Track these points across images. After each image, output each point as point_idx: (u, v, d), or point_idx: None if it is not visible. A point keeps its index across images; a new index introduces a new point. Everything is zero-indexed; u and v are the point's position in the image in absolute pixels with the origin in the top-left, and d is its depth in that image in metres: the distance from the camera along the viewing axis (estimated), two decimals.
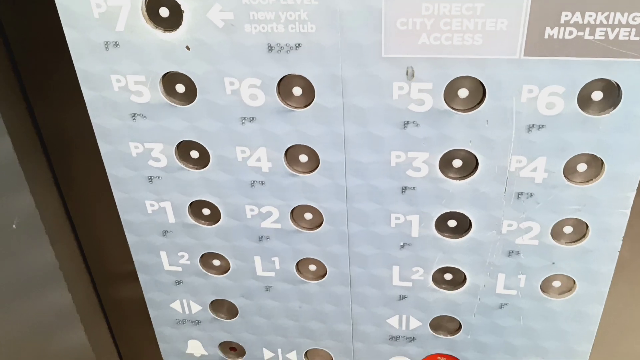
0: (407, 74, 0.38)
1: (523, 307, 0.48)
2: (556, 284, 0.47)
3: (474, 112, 0.39)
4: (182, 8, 0.38)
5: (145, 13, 0.39)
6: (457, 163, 0.42)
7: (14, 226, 0.48)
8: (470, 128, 0.40)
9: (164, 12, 0.39)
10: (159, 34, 0.39)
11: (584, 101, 0.38)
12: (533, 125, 0.39)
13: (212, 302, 0.54)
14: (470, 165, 0.42)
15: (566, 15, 0.35)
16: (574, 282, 0.46)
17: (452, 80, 0.38)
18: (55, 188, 0.54)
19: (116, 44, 0.40)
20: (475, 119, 0.39)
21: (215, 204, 0.47)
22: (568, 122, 0.38)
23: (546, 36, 0.36)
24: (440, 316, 0.50)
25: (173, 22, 0.39)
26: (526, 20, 0.35)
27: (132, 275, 0.53)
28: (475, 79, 0.38)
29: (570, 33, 0.35)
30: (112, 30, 0.40)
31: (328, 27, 0.37)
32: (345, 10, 0.37)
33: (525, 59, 0.37)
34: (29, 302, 0.53)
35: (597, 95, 0.37)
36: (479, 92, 0.39)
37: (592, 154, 0.40)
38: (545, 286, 0.47)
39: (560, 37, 0.35)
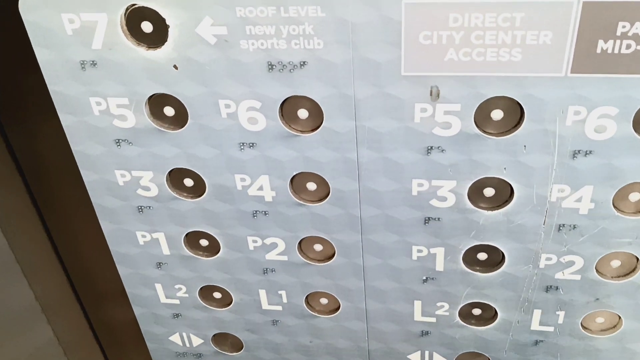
0: (431, 94, 0.33)
1: (561, 344, 0.43)
2: (599, 320, 0.41)
3: (509, 137, 0.34)
4: (167, 22, 0.32)
5: (125, 28, 0.33)
6: (488, 192, 0.37)
7: None
8: (505, 154, 0.34)
9: (146, 27, 0.33)
10: (141, 51, 0.34)
11: None
12: (579, 150, 0.33)
13: (214, 336, 0.49)
14: (504, 194, 0.37)
15: (624, 27, 0.29)
16: (619, 318, 0.41)
17: (484, 101, 0.33)
18: (37, 217, 0.49)
19: (94, 64, 0.35)
20: (510, 144, 0.34)
21: (214, 235, 0.42)
22: (620, 147, 0.33)
23: (598, 50, 0.30)
24: (468, 352, 0.45)
25: (157, 38, 0.33)
26: (575, 33, 0.29)
27: (124, 298, 0.48)
28: (511, 99, 0.32)
29: (628, 47, 0.29)
30: (88, 48, 0.34)
31: (338, 42, 0.32)
32: (358, 22, 0.31)
33: (572, 77, 0.31)
34: (10, 341, 0.49)
35: None
36: (515, 114, 0.33)
37: None
38: (587, 322, 0.42)
39: (616, 51, 0.30)
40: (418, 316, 0.44)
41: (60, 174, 0.45)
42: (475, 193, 0.37)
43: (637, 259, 0.38)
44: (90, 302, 0.57)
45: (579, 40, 0.30)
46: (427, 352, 0.46)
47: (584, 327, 0.42)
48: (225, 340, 0.49)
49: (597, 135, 0.33)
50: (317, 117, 0.35)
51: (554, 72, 0.31)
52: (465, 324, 0.43)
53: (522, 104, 0.32)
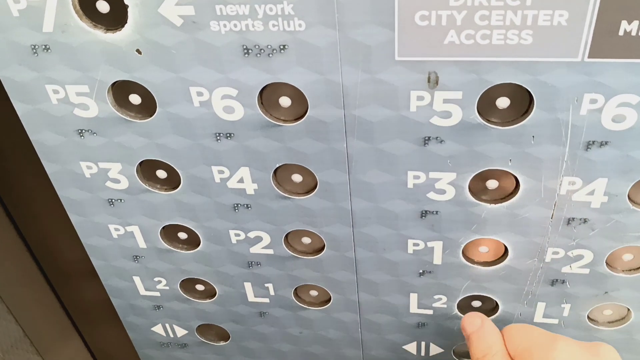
0: (428, 81, 0.29)
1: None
2: (607, 312, 0.39)
3: (516, 127, 0.30)
4: (126, 1, 0.28)
5: (79, 8, 0.29)
6: (492, 184, 0.33)
7: None
8: (511, 145, 0.31)
9: (102, 6, 0.29)
10: (99, 34, 0.30)
11: None
12: (594, 141, 0.30)
13: (199, 326, 0.46)
14: (509, 187, 0.33)
15: None
16: (629, 310, 0.38)
17: (488, 88, 0.29)
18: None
19: (46, 48, 0.31)
20: (517, 135, 0.30)
21: (192, 228, 0.39)
22: (639, 139, 0.29)
23: (621, 32, 0.26)
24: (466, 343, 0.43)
25: (116, 19, 0.29)
26: (594, 13, 0.25)
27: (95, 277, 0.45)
28: (519, 86, 0.28)
29: None
30: (38, 30, 0.30)
31: (322, 23, 0.28)
32: (345, 1, 0.27)
33: (589, 62, 0.27)
34: None
35: None
36: (524, 102, 0.29)
37: None
38: (594, 315, 0.39)
39: None
40: (414, 308, 0.41)
41: (19, 157, 0.41)
42: (478, 185, 0.33)
43: None
44: (59, 282, 0.53)
45: (598, 21, 0.26)
46: (423, 343, 0.43)
47: (591, 319, 0.39)
48: (210, 331, 0.47)
49: (615, 125, 0.29)
50: (301, 105, 0.31)
51: (569, 57, 0.27)
52: (463, 316, 0.41)
53: (531, 92, 0.28)
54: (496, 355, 0.34)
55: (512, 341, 0.34)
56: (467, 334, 0.36)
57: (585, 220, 0.33)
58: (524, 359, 0.33)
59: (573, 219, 0.33)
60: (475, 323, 0.36)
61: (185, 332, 0.47)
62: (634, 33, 0.26)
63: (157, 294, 0.44)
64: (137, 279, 0.43)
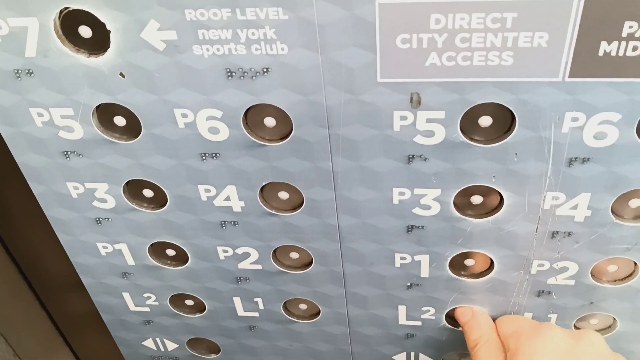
0: (411, 101, 0.29)
1: None
2: (593, 321, 0.39)
3: (499, 144, 0.30)
4: (108, 27, 0.28)
5: (61, 33, 0.29)
6: (476, 200, 0.33)
7: None
8: (494, 162, 0.31)
9: (84, 31, 0.29)
10: (81, 58, 0.30)
11: None
12: (576, 158, 0.30)
13: (189, 340, 0.46)
14: (493, 202, 0.33)
15: (630, 27, 0.25)
16: (614, 319, 0.39)
17: (471, 108, 0.29)
18: None
19: (30, 73, 0.30)
20: (500, 152, 0.30)
21: (180, 245, 0.39)
22: (622, 154, 0.29)
23: (601, 53, 0.26)
24: (455, 351, 0.43)
25: (98, 43, 0.29)
26: (574, 34, 0.26)
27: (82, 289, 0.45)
28: (501, 105, 0.29)
29: (635, 49, 0.26)
30: (20, 56, 0.30)
31: (304, 46, 0.28)
32: (326, 23, 0.27)
33: (570, 82, 0.27)
34: None
35: None
36: (505, 120, 0.30)
37: None
38: (581, 324, 0.39)
39: (621, 53, 0.26)
40: (402, 320, 0.41)
41: (5, 173, 0.41)
42: (463, 201, 0.34)
43: (635, 263, 0.35)
44: (47, 296, 0.53)
45: (578, 42, 0.26)
46: (412, 353, 0.44)
47: (577, 328, 0.40)
48: (201, 344, 0.47)
49: (597, 142, 0.29)
50: (285, 125, 0.31)
51: (550, 77, 0.27)
52: (452, 327, 0.41)
53: (513, 111, 0.29)
54: (489, 341, 0.36)
55: (503, 327, 0.37)
56: (461, 323, 0.39)
57: (569, 234, 0.34)
58: (513, 342, 0.35)
59: (557, 232, 0.34)
60: (467, 313, 0.39)
61: (176, 345, 0.47)
62: (613, 53, 0.26)
63: (147, 309, 0.44)
64: (126, 295, 0.43)
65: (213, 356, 0.47)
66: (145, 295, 0.43)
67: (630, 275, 0.36)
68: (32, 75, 0.31)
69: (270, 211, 0.35)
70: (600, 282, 0.36)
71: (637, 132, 0.29)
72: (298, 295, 0.41)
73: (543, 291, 0.37)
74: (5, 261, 0.46)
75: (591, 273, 0.36)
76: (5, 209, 0.43)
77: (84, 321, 0.51)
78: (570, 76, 0.27)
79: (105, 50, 0.29)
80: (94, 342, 0.54)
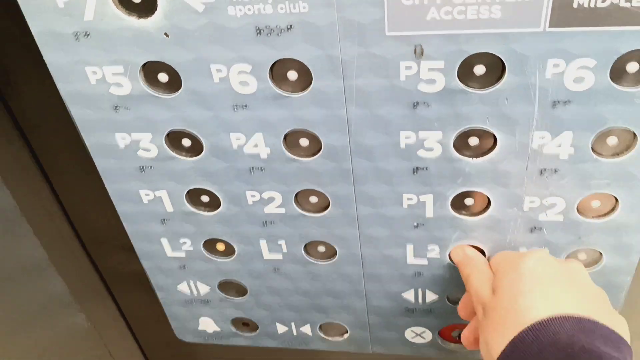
0: (415, 52, 0.34)
1: None
2: (581, 256, 0.44)
3: (492, 90, 0.35)
4: None
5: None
6: (473, 141, 0.38)
7: None
8: (488, 106, 0.36)
9: None
10: (132, 21, 0.35)
11: (617, 73, 0.33)
12: (558, 101, 0.35)
13: (220, 283, 0.52)
14: (488, 143, 0.38)
15: None
16: (601, 254, 0.43)
17: (467, 57, 0.34)
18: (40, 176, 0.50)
19: (87, 34, 0.36)
20: (493, 97, 0.35)
21: (214, 191, 0.44)
22: (598, 97, 0.34)
23: (575, 5, 0.31)
24: (458, 288, 0.48)
25: (147, 7, 0.34)
26: None
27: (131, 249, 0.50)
28: (493, 54, 0.33)
29: (604, 0, 0.30)
30: (80, 19, 0.35)
31: (322, 5, 0.33)
32: None
33: (550, 31, 0.32)
34: (19, 292, 0.51)
35: (632, 67, 0.33)
36: (497, 68, 0.34)
37: (624, 127, 0.36)
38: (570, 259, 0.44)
39: (592, 5, 0.30)
40: (410, 259, 0.46)
41: (59, 131, 0.46)
42: (461, 143, 0.38)
43: (616, 199, 0.40)
44: (97, 251, 0.59)
45: None
46: (420, 290, 0.49)
47: None
48: (230, 287, 0.52)
49: (576, 86, 0.34)
50: (306, 78, 0.36)
51: (533, 28, 0.32)
52: (455, 266, 0.46)
53: (503, 59, 0.33)
54: (480, 272, 0.41)
55: (494, 260, 0.42)
56: (456, 263, 0.44)
57: (555, 171, 0.38)
58: (500, 268, 0.40)
59: (545, 169, 0.38)
60: (459, 253, 0.44)
61: (208, 288, 0.52)
62: (586, 5, 0.31)
63: (183, 254, 0.49)
64: (164, 241, 0.48)
65: (241, 298, 0.53)
66: (181, 240, 0.48)
67: (613, 210, 0.40)
68: (89, 37, 0.36)
69: (293, 157, 0.40)
70: (586, 217, 0.41)
71: (610, 77, 0.33)
72: (317, 238, 0.46)
73: (535, 227, 0.42)
74: (57, 214, 0.52)
75: (577, 209, 0.40)
76: (60, 164, 0.48)
77: (125, 272, 0.57)
78: (550, 26, 0.32)
79: (153, 13, 0.34)
80: (136, 296, 0.60)
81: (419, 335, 0.53)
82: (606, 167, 0.38)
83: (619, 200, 0.40)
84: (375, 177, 0.41)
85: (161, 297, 0.54)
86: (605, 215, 0.41)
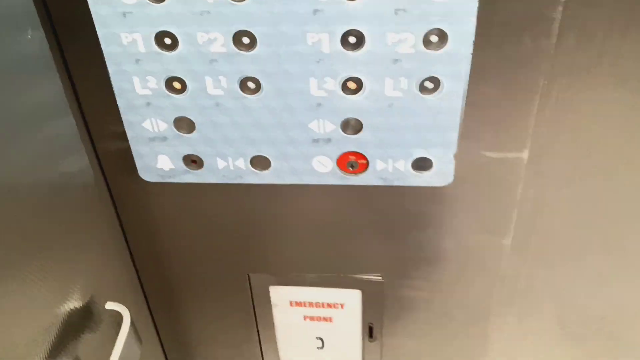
0: None
1: (408, 106, 0.65)
2: (428, 84, 0.64)
3: None
4: None
5: None
6: None
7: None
8: None
9: None
10: None
11: None
12: None
13: (175, 119, 0.69)
14: None
15: None
16: (440, 82, 0.64)
17: None
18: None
19: None
20: None
21: (175, 34, 0.62)
22: None
23: None
24: (349, 119, 0.67)
25: None
26: None
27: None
28: None
29: None
30: None
31: None
32: None
33: None
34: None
35: None
36: None
37: None
38: (422, 87, 0.64)
39: None
40: (314, 91, 0.65)
41: None
42: None
43: (446, 34, 0.60)
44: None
45: None
46: (321, 121, 0.68)
47: (421, 91, 0.65)
48: (183, 124, 0.70)
49: None
50: None
51: None
52: (345, 95, 0.65)
53: None
54: None
55: None
56: None
57: (405, 10, 0.59)
58: None
59: (399, 9, 0.59)
60: None
61: (166, 125, 0.70)
62: None
63: (149, 92, 0.67)
64: (135, 79, 0.66)
65: (190, 134, 0.70)
66: (148, 78, 0.65)
67: (446, 43, 0.61)
68: None
69: (233, 2, 0.59)
70: (429, 49, 0.61)
71: None
72: (249, 74, 0.64)
73: (397, 60, 0.62)
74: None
75: (423, 42, 0.61)
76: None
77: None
78: None
79: None
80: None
81: (322, 164, 0.72)
82: (437, 9, 0.58)
83: (447, 34, 0.60)
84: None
85: (130, 137, 0.71)
86: (441, 48, 0.61)
